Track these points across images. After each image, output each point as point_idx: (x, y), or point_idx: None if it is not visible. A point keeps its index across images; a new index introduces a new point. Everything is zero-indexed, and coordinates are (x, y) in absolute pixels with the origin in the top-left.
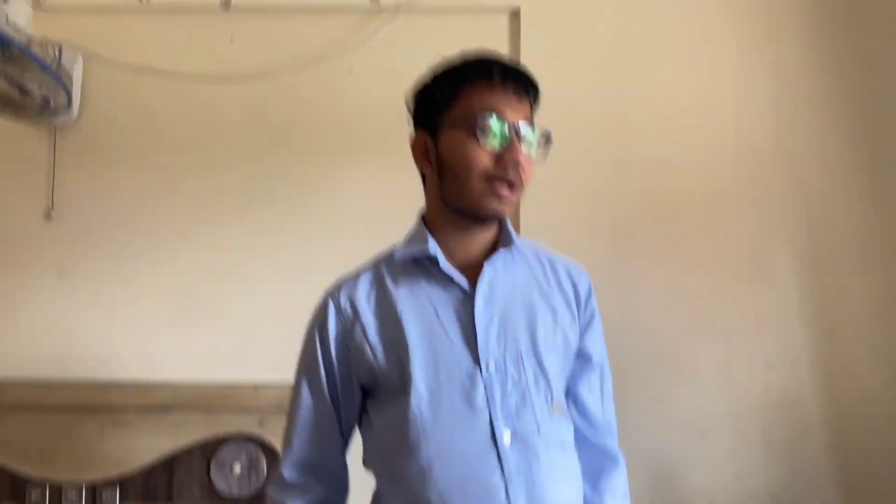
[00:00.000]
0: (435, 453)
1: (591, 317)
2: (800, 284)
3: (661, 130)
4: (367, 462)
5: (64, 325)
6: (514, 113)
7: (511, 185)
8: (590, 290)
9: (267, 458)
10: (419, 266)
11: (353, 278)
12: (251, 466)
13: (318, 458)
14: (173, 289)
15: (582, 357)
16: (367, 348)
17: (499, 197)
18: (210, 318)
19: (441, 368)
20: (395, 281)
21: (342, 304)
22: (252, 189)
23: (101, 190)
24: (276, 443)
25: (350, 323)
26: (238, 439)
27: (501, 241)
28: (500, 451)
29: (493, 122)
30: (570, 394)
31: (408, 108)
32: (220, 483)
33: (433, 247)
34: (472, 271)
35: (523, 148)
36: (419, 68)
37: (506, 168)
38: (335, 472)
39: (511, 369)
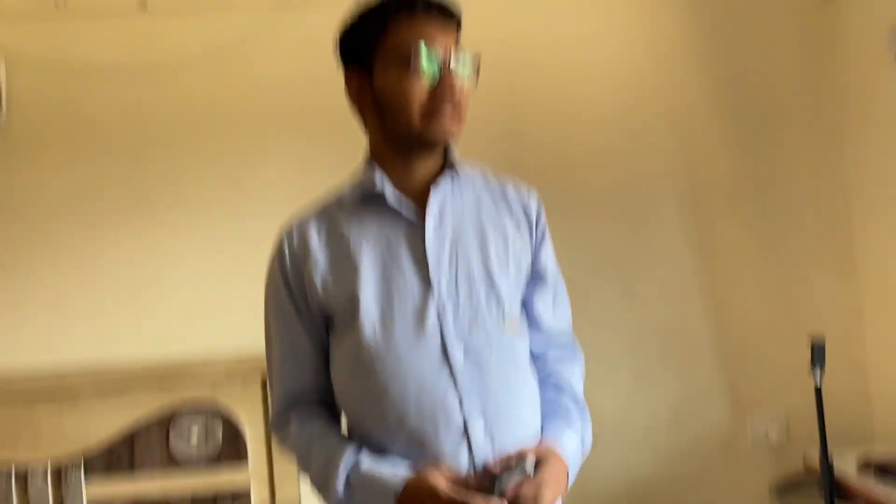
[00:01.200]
0: (390, 374)
1: (543, 236)
2: (683, 224)
3: (560, 95)
4: (337, 396)
5: (10, 317)
6: (443, 41)
7: (451, 114)
8: (539, 211)
9: (222, 423)
10: (369, 201)
11: (304, 216)
12: (207, 433)
13: (303, 384)
14: (116, 274)
15: (536, 275)
16: (318, 281)
17: (441, 125)
18: (154, 298)
19: (393, 294)
20: (344, 216)
21: (294, 241)
22: (182, 173)
23: (36, 186)
24: (230, 407)
25: (301, 259)
26: (192, 408)
27: (446, 166)
28: (453, 368)
29: (424, 54)
30: (528, 312)
31: (336, 50)
32: (179, 450)
33: (379, 181)
34: (422, 199)
35: (456, 77)
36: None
37: (442, 99)
38: (322, 392)
39: (463, 289)
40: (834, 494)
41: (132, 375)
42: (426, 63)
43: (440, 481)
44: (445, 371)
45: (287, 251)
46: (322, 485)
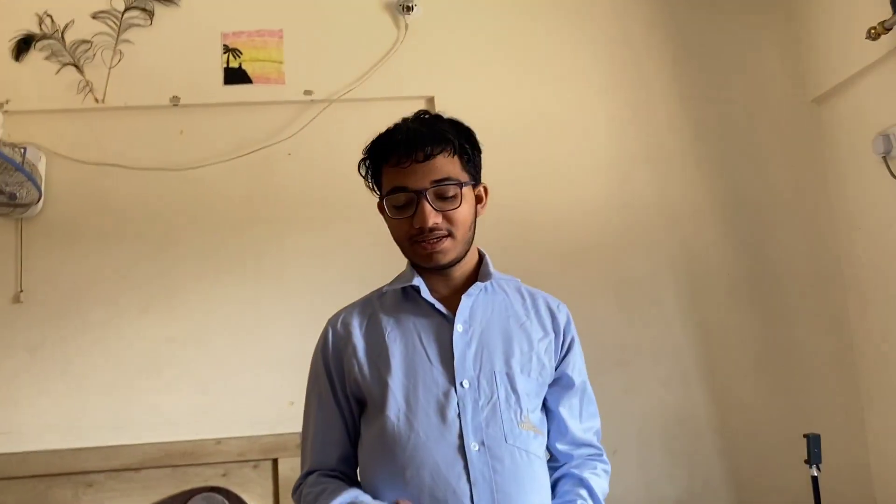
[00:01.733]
0: (409, 458)
1: (570, 346)
2: (682, 314)
3: (560, 193)
4: (360, 475)
5: (36, 398)
6: (421, 179)
7: (427, 240)
8: (568, 320)
9: None
10: (407, 299)
11: (349, 307)
12: None
13: (330, 458)
14: (136, 357)
15: (562, 382)
16: (356, 365)
17: (426, 253)
18: (171, 381)
19: (419, 385)
20: (384, 311)
21: (338, 328)
22: (205, 262)
23: (66, 272)
24: (240, 491)
25: (343, 343)
26: (205, 491)
27: (480, 275)
28: (468, 459)
29: (399, 198)
30: (553, 417)
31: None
32: None
33: (417, 279)
34: (454, 303)
35: (425, 208)
36: (349, 150)
37: (416, 229)
38: (346, 468)
39: (484, 387)
40: None
41: (145, 456)
42: (400, 205)
43: None
44: (460, 461)
45: (331, 338)
46: None
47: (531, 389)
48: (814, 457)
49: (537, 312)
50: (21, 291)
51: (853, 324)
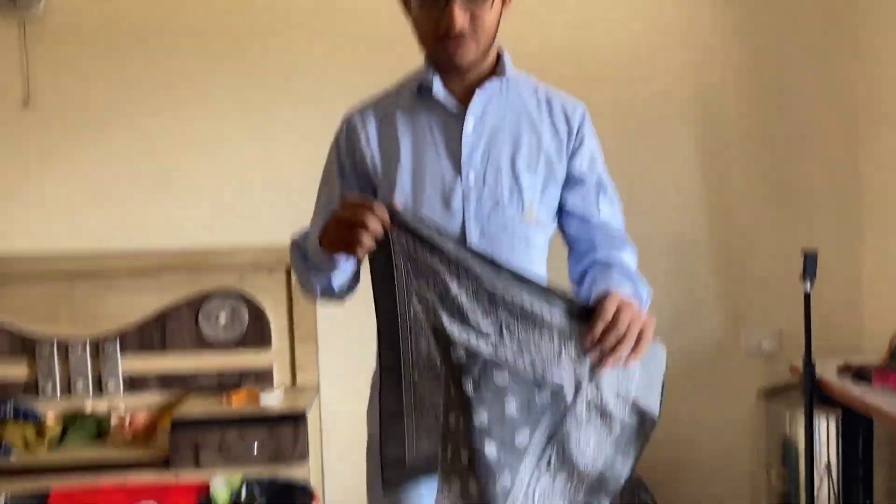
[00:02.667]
0: None
1: (581, 142)
2: (690, 136)
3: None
4: None
5: (53, 203)
6: None
7: (453, 41)
8: (583, 119)
9: (248, 308)
10: (422, 95)
11: (364, 103)
12: (234, 316)
13: None
14: (151, 164)
15: (574, 178)
16: (368, 154)
17: (448, 54)
18: (186, 189)
19: (426, 175)
20: (398, 107)
21: (353, 122)
22: (213, 68)
23: (75, 77)
24: (255, 295)
25: (356, 136)
26: (221, 293)
27: (496, 71)
28: (468, 245)
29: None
30: (570, 213)
31: None
32: (207, 331)
33: (430, 75)
34: (468, 99)
35: (455, 7)
36: None
37: (442, 29)
38: None
39: (490, 181)
40: (814, 395)
41: (164, 261)
42: (420, 7)
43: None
44: None
45: (345, 132)
46: (311, 240)
47: (536, 183)
48: (809, 273)
49: (551, 113)
50: (29, 97)
51: (861, 149)
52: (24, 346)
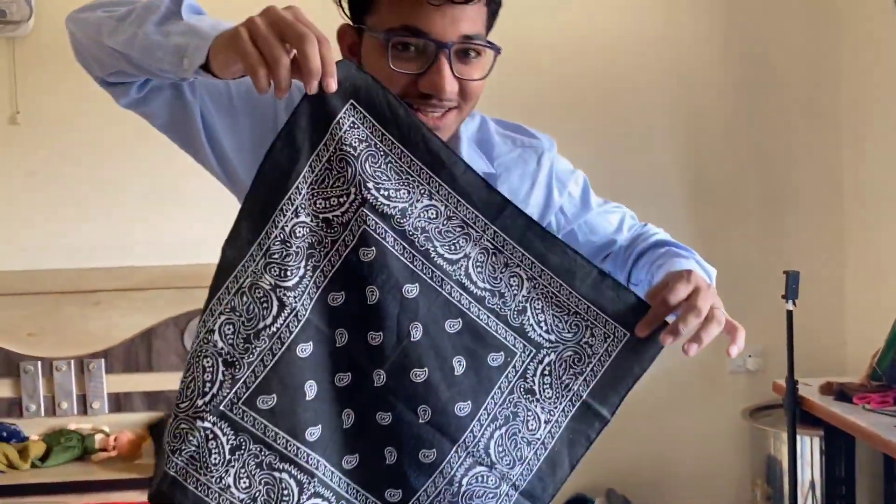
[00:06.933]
0: None
1: (561, 192)
2: (675, 165)
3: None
4: None
5: (40, 220)
6: (451, 28)
7: (439, 112)
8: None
9: None
10: None
11: None
12: None
13: None
14: (138, 183)
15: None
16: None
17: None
18: (174, 207)
19: None
20: None
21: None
22: None
23: (62, 92)
24: None
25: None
26: None
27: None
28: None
29: (410, 43)
30: (592, 250)
31: None
32: None
33: None
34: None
35: (453, 69)
36: None
37: (424, 93)
38: None
39: None
40: (797, 414)
41: (151, 280)
42: (410, 53)
43: None
44: None
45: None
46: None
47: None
48: (791, 292)
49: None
50: (18, 113)
51: (845, 168)
52: (9, 365)
